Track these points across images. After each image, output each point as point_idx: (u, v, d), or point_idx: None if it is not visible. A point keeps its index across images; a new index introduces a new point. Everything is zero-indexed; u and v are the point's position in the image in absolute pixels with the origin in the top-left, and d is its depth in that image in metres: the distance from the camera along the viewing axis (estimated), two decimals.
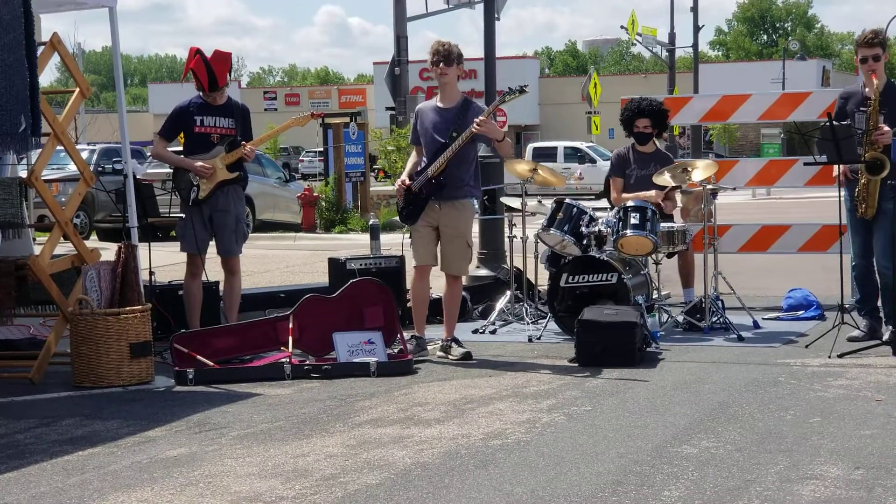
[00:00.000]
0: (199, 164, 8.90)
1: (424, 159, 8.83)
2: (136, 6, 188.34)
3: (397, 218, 23.56)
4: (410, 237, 8.88)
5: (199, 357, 8.19)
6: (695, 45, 49.08)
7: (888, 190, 8.68)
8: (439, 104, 8.90)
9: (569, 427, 6.43)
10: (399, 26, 25.70)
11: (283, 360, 8.20)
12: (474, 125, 8.57)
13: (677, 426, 6.38)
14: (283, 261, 16.23)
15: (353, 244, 20.01)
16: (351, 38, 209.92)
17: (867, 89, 8.88)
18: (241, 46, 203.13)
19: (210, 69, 8.89)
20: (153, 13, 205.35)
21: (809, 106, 11.21)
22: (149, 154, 32.48)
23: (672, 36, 47.37)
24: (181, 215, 9.11)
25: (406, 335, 8.84)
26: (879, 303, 9.09)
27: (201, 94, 9.03)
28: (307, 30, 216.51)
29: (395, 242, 14.11)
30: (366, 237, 16.37)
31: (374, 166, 35.01)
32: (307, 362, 8.28)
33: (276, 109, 72.25)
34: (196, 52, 8.97)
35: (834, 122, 8.66)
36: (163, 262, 13.37)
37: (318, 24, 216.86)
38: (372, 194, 27.28)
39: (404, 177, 8.84)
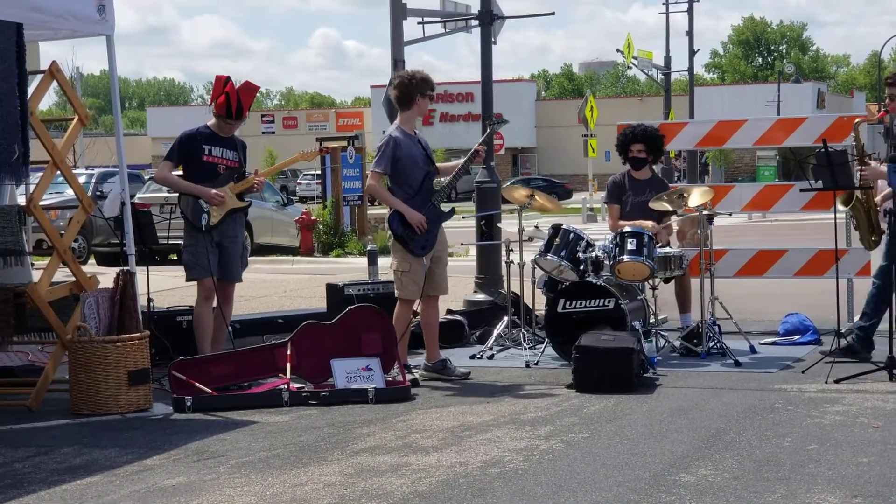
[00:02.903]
0: (214, 191, 8.90)
1: (404, 188, 8.90)
2: (131, 29, 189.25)
3: None
4: (409, 269, 8.90)
5: (196, 384, 8.20)
6: (690, 70, 49.29)
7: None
8: (409, 132, 9.00)
9: (566, 455, 6.44)
10: (396, 50, 25.70)
11: (281, 386, 8.21)
12: (479, 151, 9.11)
13: (675, 454, 6.39)
14: (280, 285, 16.24)
15: (350, 268, 20.02)
16: (347, 61, 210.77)
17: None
18: (236, 69, 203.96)
19: (238, 98, 8.91)
20: (148, 36, 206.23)
21: (804, 131, 11.26)
22: (147, 177, 32.60)
23: (668, 59, 47.54)
24: (180, 241, 9.12)
25: (411, 362, 9.00)
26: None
27: (217, 120, 9.00)
28: (303, 52, 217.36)
29: None
30: (363, 261, 16.39)
31: None
32: (305, 389, 8.29)
33: (273, 133, 72.42)
34: (227, 80, 8.99)
35: (828, 148, 8.72)
36: (161, 286, 13.41)
37: (313, 47, 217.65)
38: (369, 217, 27.31)
39: (417, 214, 8.83)
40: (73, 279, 8.49)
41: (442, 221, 9.03)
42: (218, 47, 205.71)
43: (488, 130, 9.74)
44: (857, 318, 11.00)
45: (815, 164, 8.99)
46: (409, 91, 8.93)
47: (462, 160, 9.20)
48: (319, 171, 28.27)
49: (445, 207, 9.08)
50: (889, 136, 9.06)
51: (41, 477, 6.21)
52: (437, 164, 9.15)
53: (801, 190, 10.03)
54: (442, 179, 9.09)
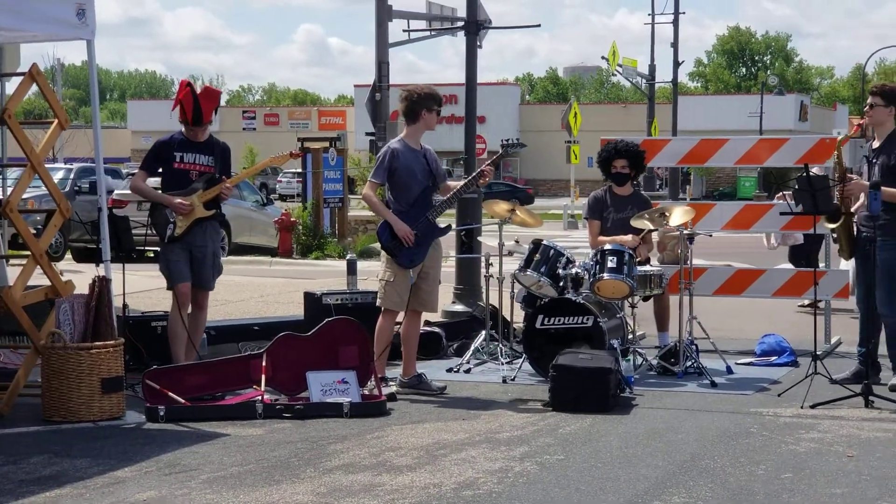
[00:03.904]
0: (178, 200, 8.88)
1: (400, 200, 8.90)
2: (112, 20, 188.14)
3: (375, 245, 23.39)
4: (393, 279, 8.89)
5: (170, 394, 8.14)
6: (674, 81, 49.45)
7: (879, 239, 8.76)
8: (411, 145, 8.99)
9: (541, 478, 6.41)
10: (381, 52, 25.67)
11: (256, 398, 8.16)
12: (486, 173, 9.07)
13: (649, 479, 6.37)
14: (257, 289, 16.17)
15: (329, 271, 19.99)
16: (330, 58, 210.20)
17: (875, 140, 9.06)
18: (218, 63, 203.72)
19: (197, 104, 8.89)
20: (130, 27, 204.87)
21: (787, 151, 11.27)
22: (125, 171, 32.38)
23: (652, 68, 47.67)
24: (157, 248, 9.09)
25: (389, 374, 8.99)
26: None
27: (183, 128, 9.03)
28: (286, 48, 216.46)
29: (372, 270, 14.10)
30: (342, 264, 16.36)
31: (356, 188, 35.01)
32: (279, 401, 8.24)
33: (254, 129, 72.17)
34: (187, 85, 9.00)
35: (810, 173, 8.73)
36: (138, 287, 13.35)
37: (296, 43, 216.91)
38: (350, 219, 27.25)
39: (405, 226, 8.82)
40: (49, 284, 8.41)
41: (436, 237, 9.04)
42: (200, 40, 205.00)
43: (500, 153, 9.58)
44: (833, 339, 11.07)
45: (796, 188, 9.00)
46: (415, 106, 9.01)
47: (463, 182, 9.22)
48: (300, 170, 28.17)
49: (442, 223, 9.06)
50: (869, 153, 9.05)
51: (9, 488, 6.15)
52: (448, 183, 9.16)
53: (782, 213, 10.03)
54: (437, 196, 9.07)
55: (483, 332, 10.36)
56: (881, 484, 6.28)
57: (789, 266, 13.85)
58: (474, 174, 9.20)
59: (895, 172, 8.76)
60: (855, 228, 9.06)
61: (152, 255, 10.29)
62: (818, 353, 9.03)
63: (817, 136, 11.85)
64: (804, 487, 6.22)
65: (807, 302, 13.13)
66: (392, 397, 8.58)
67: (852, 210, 9.14)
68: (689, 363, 9.67)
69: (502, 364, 9.90)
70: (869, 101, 9.04)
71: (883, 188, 8.65)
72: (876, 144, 9.00)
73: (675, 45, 48.22)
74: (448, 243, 9.46)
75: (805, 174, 8.79)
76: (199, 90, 9.06)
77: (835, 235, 9.32)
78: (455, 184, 9.27)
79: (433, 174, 9.06)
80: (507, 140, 9.49)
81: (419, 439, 7.39)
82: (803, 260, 14.22)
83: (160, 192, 9.03)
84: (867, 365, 8.78)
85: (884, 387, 8.84)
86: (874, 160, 8.93)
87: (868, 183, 8.69)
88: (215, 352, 9.75)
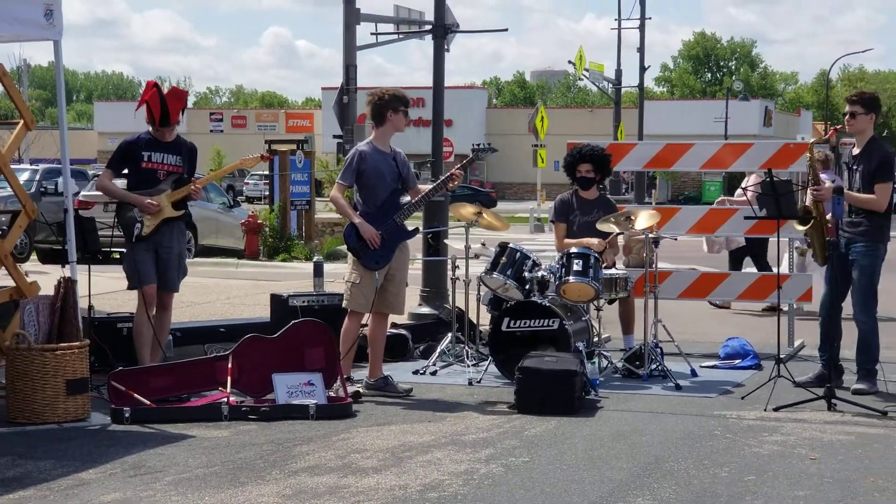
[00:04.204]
0: (148, 200, 8.86)
1: (368, 202, 8.92)
2: (79, 21, 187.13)
3: (342, 247, 23.36)
4: (359, 281, 8.91)
5: (135, 395, 8.12)
6: (640, 86, 49.67)
7: (858, 243, 8.89)
8: (381, 148, 9.01)
9: (506, 480, 6.44)
10: (349, 55, 25.66)
11: (221, 400, 8.14)
12: (455, 176, 9.03)
13: (613, 481, 6.41)
14: (224, 291, 16.12)
15: (296, 273, 19.95)
16: (298, 61, 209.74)
17: (855, 147, 9.11)
18: (186, 65, 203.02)
19: (164, 104, 8.87)
20: (97, 28, 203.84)
21: (751, 156, 11.36)
22: (91, 172, 32.22)
23: (619, 73, 47.84)
24: (123, 250, 9.06)
25: (354, 376, 8.99)
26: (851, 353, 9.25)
27: (151, 129, 9.01)
28: (253, 50, 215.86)
29: (339, 273, 14.10)
30: (309, 266, 16.33)
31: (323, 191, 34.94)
32: (245, 403, 8.23)
33: (222, 131, 71.97)
34: (153, 86, 8.98)
35: (774, 178, 8.81)
36: (104, 289, 13.29)
37: (264, 45, 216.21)
38: (317, 222, 27.20)
39: (371, 229, 8.83)
40: (14, 286, 8.37)
41: (403, 240, 9.06)
42: (168, 42, 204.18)
43: (470, 157, 9.62)
44: (797, 343, 11.16)
45: (760, 192, 9.08)
46: (381, 108, 9.04)
47: (432, 185, 9.26)
48: (267, 172, 28.08)
49: (410, 226, 9.09)
50: (838, 159, 9.16)
51: None
52: (418, 187, 9.18)
53: (746, 217, 10.11)
54: (406, 198, 9.08)
55: (449, 335, 10.38)
56: (843, 486, 6.35)
57: (753, 270, 13.96)
58: (443, 178, 9.22)
59: (875, 178, 8.88)
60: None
61: (118, 256, 10.25)
62: (781, 356, 9.11)
63: (781, 142, 11.96)
64: (767, 490, 6.27)
65: (766, 306, 13.26)
66: (356, 395, 8.59)
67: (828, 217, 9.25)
68: (653, 366, 9.72)
69: (468, 366, 9.93)
70: (849, 109, 9.06)
71: (848, 192, 8.77)
72: (856, 151, 9.09)
73: (641, 50, 48.45)
74: (415, 246, 9.49)
75: (769, 178, 8.87)
76: (165, 91, 9.04)
77: (808, 240, 9.39)
78: (425, 187, 9.30)
79: (402, 177, 9.07)
80: (479, 144, 9.54)
81: (385, 441, 7.40)
82: (740, 264, 14.39)
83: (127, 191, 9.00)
84: (830, 368, 8.86)
85: (846, 390, 8.92)
86: (855, 167, 9.02)
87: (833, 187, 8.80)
88: (181, 353, 9.72)
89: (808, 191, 9.14)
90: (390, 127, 9.09)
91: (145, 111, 8.98)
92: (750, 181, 12.81)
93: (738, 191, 14.69)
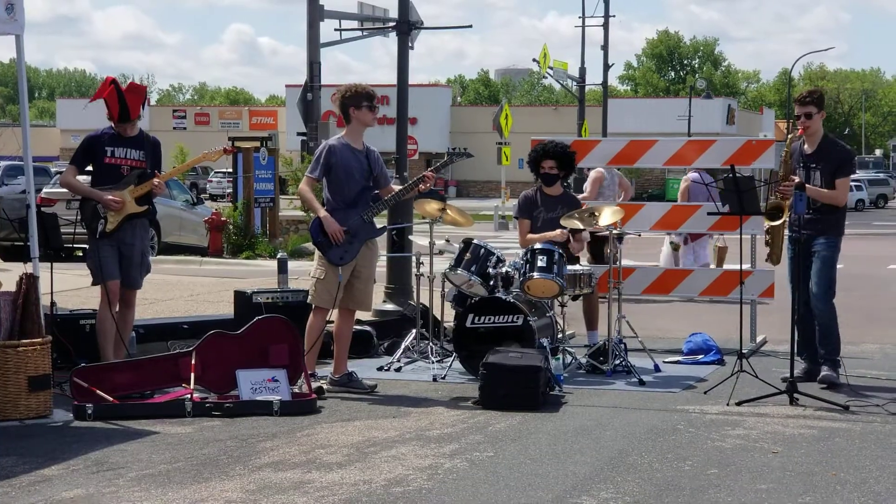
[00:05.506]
0: (110, 196, 8.81)
1: (336, 198, 8.92)
2: (41, 18, 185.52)
3: (306, 245, 23.27)
4: (324, 277, 8.90)
5: (98, 392, 8.08)
6: (604, 84, 49.77)
7: (820, 237, 9.04)
8: (352, 144, 9.01)
9: (471, 474, 6.45)
10: (313, 52, 25.61)
11: (185, 396, 8.11)
12: (427, 178, 9.00)
13: (577, 475, 6.43)
14: (187, 288, 16.04)
15: (260, 270, 19.89)
16: (261, 58, 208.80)
17: (806, 146, 9.15)
18: (149, 62, 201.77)
19: (123, 100, 8.83)
20: (59, 25, 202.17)
21: (714, 152, 11.42)
22: (53, 169, 31.95)
23: (583, 71, 47.93)
24: (87, 246, 9.00)
25: (319, 372, 8.98)
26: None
27: (113, 124, 8.96)
28: (216, 47, 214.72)
29: (303, 270, 14.07)
30: (273, 263, 16.29)
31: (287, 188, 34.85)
32: (209, 400, 8.21)
33: (185, 128, 71.54)
34: (111, 82, 8.92)
35: (736, 174, 8.87)
36: (66, 286, 13.20)
37: (226, 43, 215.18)
38: (281, 219, 27.13)
39: (335, 224, 8.83)
40: None
41: (369, 237, 9.05)
42: (130, 39, 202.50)
43: (445, 160, 9.66)
44: (759, 338, 11.23)
45: (723, 189, 9.14)
46: (343, 106, 9.05)
47: (403, 186, 9.27)
48: (231, 170, 27.98)
49: (378, 224, 9.09)
50: (802, 158, 9.21)
51: None
52: (391, 186, 9.19)
53: (709, 213, 10.17)
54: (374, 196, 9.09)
55: (414, 331, 10.38)
56: (805, 480, 6.40)
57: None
58: (415, 178, 9.20)
59: (837, 175, 9.00)
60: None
61: (81, 253, 10.19)
62: (744, 351, 9.17)
63: (744, 138, 12.04)
64: (730, 483, 6.32)
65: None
66: (320, 391, 8.58)
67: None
68: (617, 362, 9.77)
69: (433, 362, 9.93)
70: (804, 110, 9.09)
71: (811, 188, 8.88)
72: (810, 149, 9.16)
73: (605, 48, 48.55)
74: (379, 242, 9.49)
75: (732, 175, 8.93)
76: (124, 87, 8.98)
77: (767, 238, 9.44)
78: (397, 187, 9.31)
79: (374, 175, 9.06)
80: (455, 148, 9.64)
81: (349, 437, 7.40)
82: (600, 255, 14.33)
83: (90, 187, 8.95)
84: (814, 362, 9.05)
85: (812, 384, 9.01)
86: (813, 165, 9.09)
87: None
88: (144, 350, 9.68)
89: (775, 187, 9.23)
90: (357, 124, 9.08)
91: (105, 107, 8.92)
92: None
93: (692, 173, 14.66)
